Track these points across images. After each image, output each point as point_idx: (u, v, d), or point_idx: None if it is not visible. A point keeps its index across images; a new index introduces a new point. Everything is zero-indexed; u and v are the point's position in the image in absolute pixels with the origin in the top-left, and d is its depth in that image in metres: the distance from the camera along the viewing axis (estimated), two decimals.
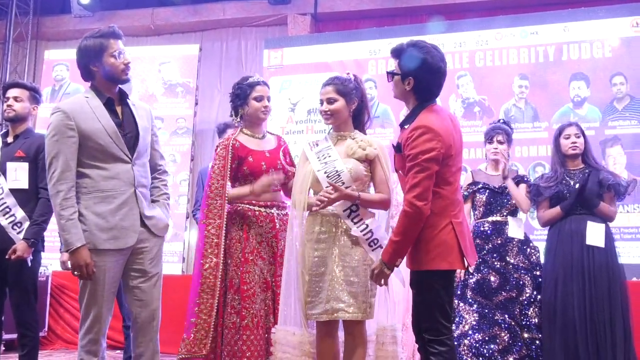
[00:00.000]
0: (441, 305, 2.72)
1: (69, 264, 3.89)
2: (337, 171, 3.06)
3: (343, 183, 3.04)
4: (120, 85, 3.05)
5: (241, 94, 3.45)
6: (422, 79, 2.74)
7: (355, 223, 3.03)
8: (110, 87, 3.01)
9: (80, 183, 2.89)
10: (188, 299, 3.34)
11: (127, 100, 3.06)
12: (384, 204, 3.10)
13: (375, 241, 3.01)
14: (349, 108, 3.16)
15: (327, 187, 3.04)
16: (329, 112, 3.13)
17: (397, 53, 2.83)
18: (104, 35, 2.95)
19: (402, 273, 3.04)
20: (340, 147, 3.15)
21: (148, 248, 3.00)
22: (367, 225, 3.01)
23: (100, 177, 2.89)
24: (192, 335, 3.21)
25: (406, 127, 2.76)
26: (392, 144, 2.85)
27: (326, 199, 2.96)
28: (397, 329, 3.00)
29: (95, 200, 2.88)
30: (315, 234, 3.08)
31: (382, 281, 2.79)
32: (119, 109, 3.02)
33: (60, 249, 3.99)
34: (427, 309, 2.73)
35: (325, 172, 3.08)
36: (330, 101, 3.13)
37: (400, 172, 2.82)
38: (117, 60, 2.96)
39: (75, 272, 2.83)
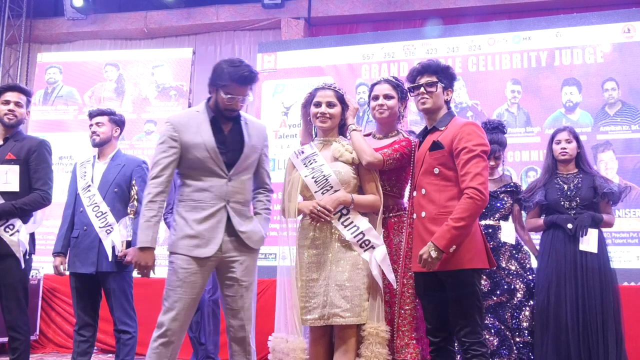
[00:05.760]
0: (479, 306, 2.83)
1: (61, 269, 3.92)
2: (324, 176, 3.09)
3: (332, 187, 3.08)
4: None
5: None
6: (452, 91, 3.10)
7: (345, 226, 3.05)
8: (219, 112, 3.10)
9: (180, 191, 3.07)
10: None
11: (241, 118, 3.12)
12: (375, 206, 3.12)
13: (367, 242, 3.03)
14: (342, 116, 3.22)
15: (316, 191, 3.06)
16: (327, 115, 3.16)
17: (436, 68, 3.03)
18: (233, 78, 2.93)
19: (392, 274, 3.04)
20: (326, 152, 3.18)
21: (240, 259, 3.05)
22: (358, 227, 3.03)
23: (195, 188, 3.01)
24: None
25: (442, 128, 2.93)
26: (433, 142, 2.92)
27: (321, 214, 3.01)
28: (385, 330, 3.00)
29: (187, 209, 3.00)
30: (309, 239, 3.11)
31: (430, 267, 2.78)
32: (226, 126, 3.08)
33: (53, 253, 3.98)
34: (466, 312, 2.80)
35: (313, 178, 3.11)
36: (330, 105, 3.17)
37: (436, 169, 2.88)
38: (225, 99, 2.97)
39: (137, 271, 2.97)
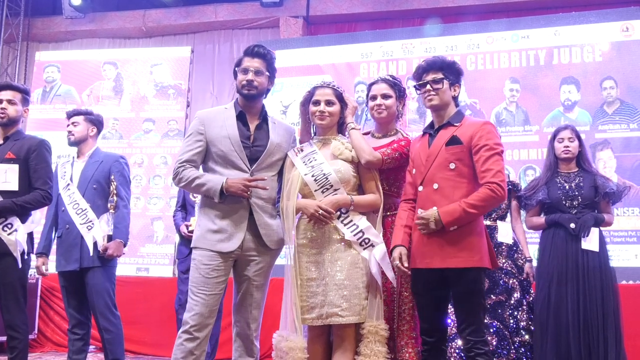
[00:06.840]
0: (484, 305, 2.85)
1: (42, 269, 3.98)
2: (324, 174, 3.08)
3: (331, 185, 3.06)
4: (248, 102, 3.21)
5: None
6: (460, 86, 3.06)
7: (345, 225, 3.04)
8: (243, 102, 3.22)
9: None
10: None
11: (268, 118, 3.26)
12: (375, 205, 3.11)
13: (367, 240, 3.02)
14: (340, 114, 3.22)
15: (316, 190, 3.06)
16: (326, 113, 3.16)
17: (442, 64, 3.01)
18: (244, 52, 3.23)
19: (392, 272, 3.03)
20: (325, 151, 3.18)
21: (257, 259, 3.11)
22: (358, 226, 3.03)
23: None
24: None
25: (457, 124, 2.94)
26: (452, 136, 2.93)
27: (322, 218, 3.01)
28: (385, 328, 3.00)
29: (210, 205, 3.08)
30: (307, 239, 3.10)
31: (424, 231, 2.82)
32: (253, 123, 3.20)
33: (35, 253, 3.99)
34: (471, 310, 2.81)
35: (312, 176, 3.10)
36: (328, 103, 3.17)
37: (452, 164, 2.88)
38: (242, 75, 3.17)
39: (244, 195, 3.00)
